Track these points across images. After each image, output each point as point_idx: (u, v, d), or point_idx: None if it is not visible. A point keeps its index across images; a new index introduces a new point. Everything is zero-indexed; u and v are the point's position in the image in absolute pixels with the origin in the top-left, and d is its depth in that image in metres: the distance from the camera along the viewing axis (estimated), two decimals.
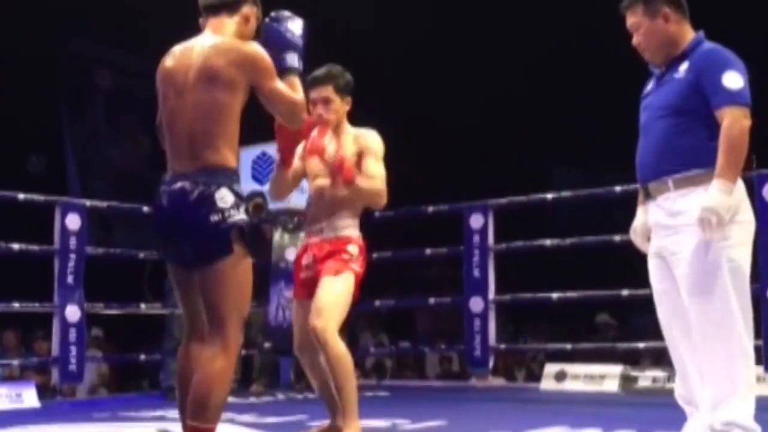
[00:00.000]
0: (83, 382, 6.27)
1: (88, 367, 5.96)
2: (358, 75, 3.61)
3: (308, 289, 3.48)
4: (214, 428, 2.54)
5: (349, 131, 3.55)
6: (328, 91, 3.49)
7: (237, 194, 2.59)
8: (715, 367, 2.61)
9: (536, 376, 8.00)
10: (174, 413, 4.97)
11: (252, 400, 5.97)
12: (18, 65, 9.73)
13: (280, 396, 6.29)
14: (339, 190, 3.47)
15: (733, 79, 2.67)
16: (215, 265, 2.56)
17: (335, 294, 3.36)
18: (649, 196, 2.87)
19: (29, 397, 5.57)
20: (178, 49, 2.74)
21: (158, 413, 4.99)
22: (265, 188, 7.56)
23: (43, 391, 5.81)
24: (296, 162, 3.59)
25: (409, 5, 8.34)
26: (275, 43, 2.79)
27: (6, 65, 9.54)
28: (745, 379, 2.62)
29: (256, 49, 2.68)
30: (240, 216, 2.58)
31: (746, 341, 2.65)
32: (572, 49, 8.51)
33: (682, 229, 2.71)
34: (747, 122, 2.65)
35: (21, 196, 5.61)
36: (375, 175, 3.44)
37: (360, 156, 3.47)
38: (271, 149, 7.80)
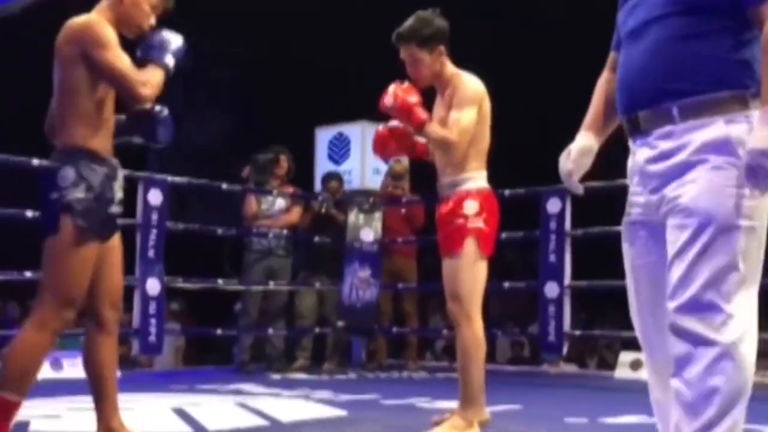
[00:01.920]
0: (161, 354, 6.41)
1: (165, 340, 6.08)
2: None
3: (442, 247, 3.42)
4: (12, 399, 2.55)
5: (452, 81, 3.35)
6: (411, 49, 3.32)
7: (80, 173, 2.59)
8: None
9: (608, 364, 7.90)
10: (248, 387, 5.08)
11: (324, 378, 6.03)
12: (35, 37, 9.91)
13: (352, 375, 6.34)
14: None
15: None
16: (47, 241, 2.61)
17: (460, 275, 3.29)
18: (638, 130, 1.99)
19: None
20: None
21: (233, 387, 5.09)
22: (342, 168, 7.62)
23: (122, 362, 5.97)
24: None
25: None
26: (150, 42, 2.75)
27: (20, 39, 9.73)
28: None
29: (88, 21, 2.64)
30: (75, 195, 2.58)
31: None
32: None
33: (688, 167, 1.88)
34: None
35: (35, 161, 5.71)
36: (453, 124, 3.25)
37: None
38: (348, 129, 7.86)
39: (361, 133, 7.74)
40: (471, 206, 3.31)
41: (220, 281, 6.35)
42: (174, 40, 2.77)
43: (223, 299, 7.65)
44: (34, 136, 3.13)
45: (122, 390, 4.65)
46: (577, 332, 6.57)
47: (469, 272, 3.30)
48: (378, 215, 6.77)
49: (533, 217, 6.26)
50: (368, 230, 6.71)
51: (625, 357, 6.20)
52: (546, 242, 6.10)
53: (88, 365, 2.81)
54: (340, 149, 7.81)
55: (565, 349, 6.18)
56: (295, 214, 6.65)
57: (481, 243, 3.31)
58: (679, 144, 1.89)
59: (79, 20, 2.67)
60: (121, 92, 2.66)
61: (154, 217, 5.81)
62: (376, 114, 8.60)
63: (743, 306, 1.85)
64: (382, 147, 3.51)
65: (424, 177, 6.88)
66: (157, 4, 2.79)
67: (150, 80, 2.64)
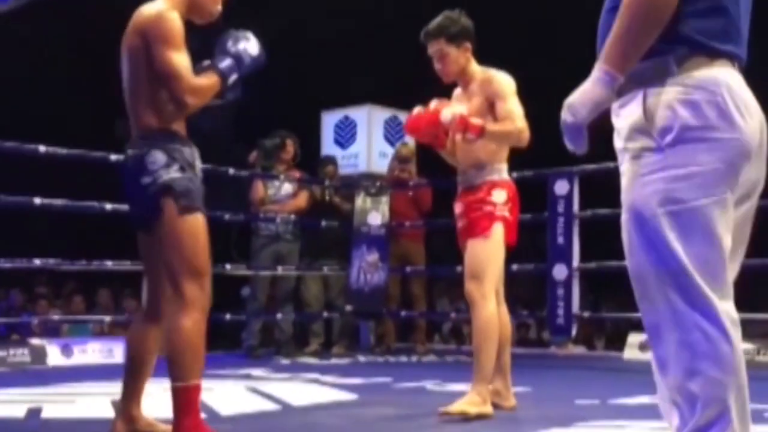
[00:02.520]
0: None
1: None
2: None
3: (464, 239, 3.51)
4: (193, 385, 2.54)
5: (476, 76, 3.48)
6: (440, 44, 3.45)
7: (169, 154, 2.57)
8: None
9: (616, 346, 7.91)
10: (258, 372, 5.10)
11: (334, 361, 6.05)
12: (107, 30, 9.93)
13: (361, 358, 6.36)
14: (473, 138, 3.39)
15: None
16: (155, 226, 2.58)
17: (483, 255, 3.39)
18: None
19: (119, 353, 5.75)
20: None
21: (243, 371, 5.11)
22: (348, 152, 7.61)
23: None
24: None
25: None
26: (225, 50, 2.70)
27: (94, 30, 9.73)
28: None
29: (164, 13, 2.59)
30: (171, 175, 2.56)
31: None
32: None
33: (622, 157, 1.73)
34: None
35: (113, 157, 5.73)
36: (508, 115, 3.37)
37: (491, 103, 3.42)
38: (354, 113, 7.84)
39: (367, 117, 7.73)
40: (499, 196, 3.45)
41: (227, 266, 6.36)
42: (251, 48, 2.74)
43: (231, 284, 7.66)
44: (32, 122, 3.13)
45: None
46: (586, 314, 6.57)
47: (493, 254, 3.42)
48: (385, 199, 6.77)
49: (541, 200, 6.25)
50: (375, 214, 6.71)
51: (634, 338, 6.21)
52: (554, 224, 6.10)
53: (132, 347, 2.80)
54: (346, 133, 7.79)
55: (574, 331, 6.19)
56: (302, 198, 6.65)
57: (507, 230, 3.45)
58: (618, 127, 1.75)
59: (149, 9, 2.63)
60: (168, 91, 2.62)
61: None
62: (382, 97, 8.62)
63: (667, 303, 1.64)
64: (414, 126, 3.51)
65: (430, 160, 6.89)
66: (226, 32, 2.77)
67: (200, 89, 2.61)
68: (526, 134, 3.38)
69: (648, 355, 5.98)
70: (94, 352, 5.70)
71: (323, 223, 6.69)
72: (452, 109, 3.34)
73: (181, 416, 2.54)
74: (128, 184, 2.65)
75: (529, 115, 3.53)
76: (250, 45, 2.74)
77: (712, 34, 1.66)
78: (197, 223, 2.60)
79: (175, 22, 2.59)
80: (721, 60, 1.66)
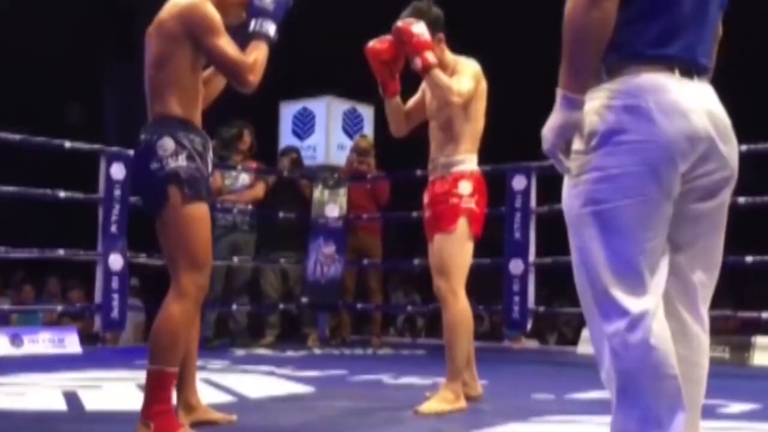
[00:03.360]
0: (123, 330, 6.34)
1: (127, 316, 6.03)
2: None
3: (430, 228, 3.50)
4: (169, 371, 2.58)
5: (449, 65, 3.47)
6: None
7: (179, 142, 2.60)
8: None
9: (568, 340, 8.01)
10: (214, 363, 5.05)
11: (289, 353, 6.02)
12: (61, 17, 9.75)
13: (316, 351, 6.34)
14: (445, 122, 3.44)
15: None
16: (160, 212, 2.62)
17: (450, 251, 3.39)
18: None
19: (71, 343, 5.67)
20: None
21: (198, 363, 5.04)
22: (306, 143, 7.58)
23: (83, 338, 5.91)
24: (417, 94, 3.61)
25: None
26: (253, 9, 2.75)
27: (49, 16, 9.56)
28: None
29: (199, 3, 2.65)
30: (178, 163, 2.59)
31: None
32: None
33: None
34: None
35: (67, 144, 5.63)
36: (460, 79, 3.38)
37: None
38: (312, 104, 7.81)
39: (326, 109, 7.70)
40: (465, 187, 3.43)
41: None
42: None
43: None
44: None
45: (87, 367, 4.63)
46: (541, 309, 6.62)
47: (459, 249, 3.41)
48: (343, 191, 6.75)
49: (499, 195, 6.28)
50: (333, 206, 6.69)
51: (587, 333, 6.26)
52: (511, 219, 6.13)
53: None
54: (304, 124, 7.76)
55: (529, 326, 6.24)
56: (259, 189, 6.61)
57: (472, 223, 3.44)
58: None
59: (190, 1, 2.66)
60: (228, 77, 2.71)
61: (117, 191, 5.73)
62: (341, 89, 8.58)
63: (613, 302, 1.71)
64: (377, 47, 3.45)
65: (389, 153, 6.89)
66: None
67: (256, 64, 2.67)
68: (456, 99, 3.34)
69: None
70: (45, 341, 5.59)
71: (280, 214, 6.65)
72: (418, 30, 3.31)
73: (152, 400, 2.56)
74: (137, 170, 2.70)
75: (489, 111, 3.55)
76: None
77: (644, 40, 1.72)
78: (200, 213, 2.63)
79: (215, 12, 2.66)
80: (653, 65, 1.71)
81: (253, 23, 2.74)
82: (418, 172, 6.05)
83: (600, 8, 1.67)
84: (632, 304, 1.69)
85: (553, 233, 6.43)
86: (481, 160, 3.60)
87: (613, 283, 1.70)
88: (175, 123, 2.63)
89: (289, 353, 6.01)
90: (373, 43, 3.45)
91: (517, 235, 6.10)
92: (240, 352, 5.97)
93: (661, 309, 1.72)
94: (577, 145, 1.73)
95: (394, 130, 3.63)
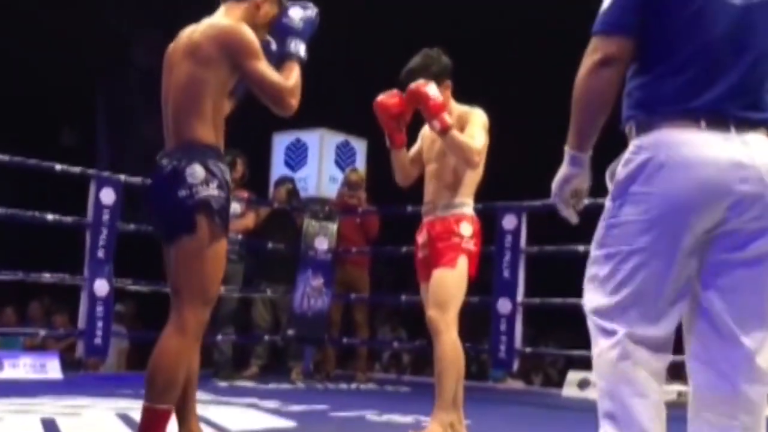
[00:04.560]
0: (106, 357, 6.28)
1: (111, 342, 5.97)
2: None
3: (425, 269, 3.53)
4: (164, 409, 2.50)
5: (455, 113, 3.51)
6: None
7: (210, 170, 2.52)
8: None
9: (553, 382, 7.96)
10: (196, 394, 4.99)
11: (272, 386, 5.96)
12: (56, 41, 9.77)
13: (300, 384, 6.28)
14: (449, 166, 3.48)
15: (605, 1, 1.87)
16: (181, 241, 2.51)
17: (449, 285, 3.42)
18: None
19: (53, 368, 5.60)
20: (183, 31, 2.72)
21: None
22: (298, 175, 7.57)
23: (65, 364, 5.84)
24: (417, 143, 3.67)
25: None
26: (281, 28, 2.73)
27: (43, 40, 9.58)
28: None
29: (238, 26, 2.60)
30: (209, 192, 2.51)
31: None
32: None
33: None
34: (593, 57, 1.83)
35: (58, 167, 5.61)
36: (473, 136, 3.42)
37: (462, 131, 3.44)
38: (306, 136, 7.81)
39: (319, 140, 7.71)
40: (466, 228, 3.49)
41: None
42: (304, 15, 2.76)
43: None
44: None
45: (67, 393, 4.57)
46: (528, 349, 6.58)
47: (458, 284, 3.45)
48: (333, 224, 6.73)
49: (489, 233, 6.27)
50: (322, 238, 6.67)
51: (574, 376, 6.24)
52: (501, 258, 6.11)
53: None
54: (297, 156, 7.76)
55: (515, 366, 6.20)
56: (250, 219, 6.58)
57: (471, 264, 3.49)
58: None
59: (224, 23, 2.63)
60: (269, 102, 2.64)
61: (106, 216, 5.70)
62: (335, 122, 8.60)
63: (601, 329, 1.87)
64: (386, 101, 3.49)
65: (380, 187, 6.89)
66: (276, 14, 2.77)
67: (296, 88, 2.64)
68: (476, 159, 3.40)
69: (586, 393, 6.06)
70: (26, 366, 5.52)
71: (270, 244, 6.62)
72: (435, 91, 3.36)
73: None
74: (160, 195, 2.58)
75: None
76: (305, 12, 2.76)
77: (666, 97, 1.81)
78: (222, 248, 2.56)
79: (253, 35, 2.62)
80: (676, 120, 1.79)
81: (287, 43, 2.70)
82: (409, 208, 6.05)
83: (600, 76, 1.82)
84: (619, 342, 1.82)
85: (543, 273, 6.47)
86: (473, 198, 3.62)
87: (607, 322, 1.85)
88: (205, 150, 2.55)
89: (272, 386, 5.95)
90: (382, 98, 3.50)
91: (506, 274, 6.08)
92: (223, 384, 5.91)
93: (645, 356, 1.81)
94: (608, 198, 1.90)
95: (400, 179, 3.67)
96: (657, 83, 1.83)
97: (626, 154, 1.85)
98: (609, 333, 1.83)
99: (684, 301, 1.83)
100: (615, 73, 1.82)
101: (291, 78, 2.64)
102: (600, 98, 1.84)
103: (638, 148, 1.82)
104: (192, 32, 2.65)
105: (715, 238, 1.80)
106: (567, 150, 1.91)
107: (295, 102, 2.64)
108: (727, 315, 1.80)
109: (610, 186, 1.90)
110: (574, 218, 1.98)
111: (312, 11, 2.78)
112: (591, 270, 1.90)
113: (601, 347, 1.84)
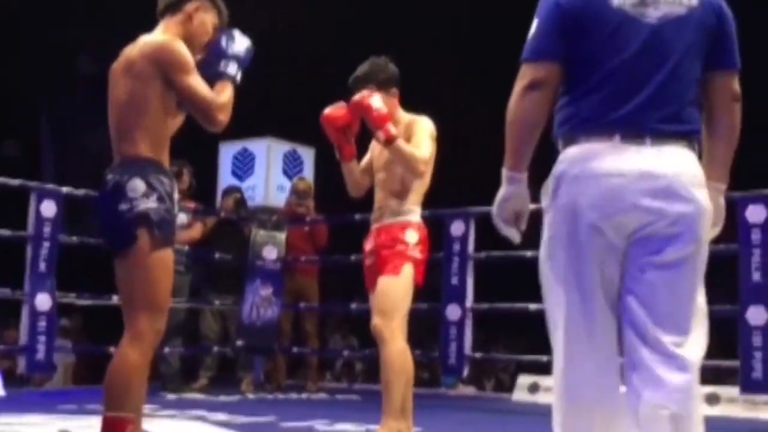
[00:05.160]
0: (49, 372, 6.15)
1: (55, 357, 5.85)
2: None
3: (373, 277, 3.51)
4: (123, 419, 2.51)
5: (402, 121, 3.52)
6: (369, 90, 3.46)
7: (150, 184, 2.58)
8: None
9: (505, 387, 8.00)
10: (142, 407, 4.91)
11: (221, 398, 5.89)
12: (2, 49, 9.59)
13: (250, 396, 6.22)
14: (396, 174, 3.48)
15: (530, 30, 2.00)
16: (124, 253, 2.57)
17: (394, 293, 3.40)
18: None
19: None
20: (125, 49, 2.76)
21: None
22: (245, 184, 7.51)
23: (8, 380, 5.70)
24: (367, 155, 3.66)
25: None
26: (217, 51, 2.78)
27: None
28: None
29: (171, 41, 2.66)
30: (148, 205, 2.56)
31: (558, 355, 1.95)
32: None
33: None
34: (521, 83, 1.95)
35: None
36: (419, 145, 3.42)
37: (409, 140, 3.45)
38: (253, 145, 7.76)
39: (266, 150, 7.66)
40: (412, 236, 3.48)
41: (115, 297, 6.14)
42: (241, 44, 2.80)
43: (119, 316, 7.41)
44: None
45: (8, 410, 4.46)
46: (478, 355, 6.60)
47: (403, 292, 3.43)
48: (281, 233, 6.69)
49: (437, 240, 6.29)
50: (271, 248, 6.62)
51: (524, 380, 6.28)
52: (449, 265, 6.13)
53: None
54: (244, 165, 7.70)
55: (465, 372, 6.21)
56: (197, 229, 6.51)
57: (416, 271, 3.48)
58: None
59: (157, 38, 2.68)
60: (199, 117, 2.68)
61: (47, 229, 5.59)
62: (282, 131, 8.54)
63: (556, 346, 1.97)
64: (333, 114, 3.51)
65: (328, 196, 6.87)
66: (217, 24, 2.82)
67: (226, 104, 2.68)
68: (422, 168, 3.41)
69: (536, 397, 6.09)
70: None
71: (217, 255, 6.55)
72: (380, 102, 3.37)
73: None
74: (104, 210, 2.63)
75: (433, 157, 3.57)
76: (242, 41, 2.80)
77: (585, 113, 1.93)
78: (167, 258, 2.60)
79: (186, 50, 2.66)
80: (592, 134, 1.92)
81: (222, 64, 2.75)
82: (357, 216, 6.04)
83: (528, 100, 1.94)
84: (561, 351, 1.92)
85: (491, 279, 6.50)
86: (420, 205, 3.62)
87: (554, 328, 1.96)
88: (145, 164, 2.60)
89: (222, 398, 5.89)
90: (329, 111, 3.51)
91: (455, 280, 6.10)
92: (171, 396, 5.82)
93: (591, 360, 1.90)
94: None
95: (353, 191, 3.68)
96: (578, 101, 1.94)
97: (553, 169, 1.97)
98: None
99: (608, 307, 1.92)
100: (543, 97, 1.94)
101: (222, 95, 2.69)
102: (530, 121, 1.95)
103: (560, 162, 1.95)
104: (130, 50, 2.71)
105: (631, 246, 1.90)
106: (504, 171, 2.01)
107: (224, 118, 2.68)
108: (646, 318, 1.87)
109: (496, 211, 2.03)
110: (516, 238, 2.07)
111: (248, 42, 2.83)
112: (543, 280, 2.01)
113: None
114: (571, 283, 1.90)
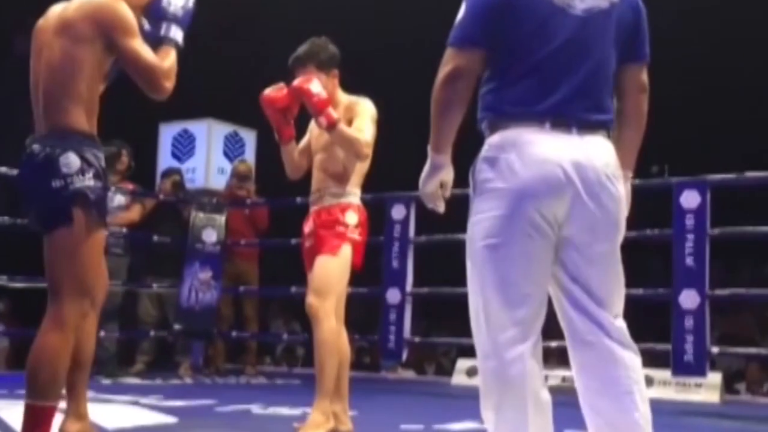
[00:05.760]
0: None
1: None
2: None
3: (312, 259, 3.48)
4: (48, 406, 2.44)
5: (342, 103, 3.50)
6: (309, 71, 3.44)
7: (86, 159, 2.45)
8: None
9: (446, 371, 8.05)
10: None
11: (158, 382, 5.82)
12: None
13: (188, 380, 6.15)
14: (336, 156, 3.46)
15: (458, 16, 2.01)
16: (55, 233, 2.45)
17: (330, 272, 3.39)
18: None
19: None
20: (53, 8, 2.61)
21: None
22: (186, 166, 7.41)
23: None
24: (305, 137, 3.63)
25: None
26: (157, 12, 2.66)
27: None
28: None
29: (114, 2, 2.52)
30: (86, 183, 2.43)
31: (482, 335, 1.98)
32: None
33: None
34: (445, 69, 1.97)
35: None
36: (361, 128, 3.41)
37: (351, 122, 3.44)
38: (193, 126, 7.64)
39: (207, 131, 7.56)
40: (351, 217, 3.48)
41: None
42: (181, 2, 2.67)
43: None
44: None
45: None
46: (417, 339, 6.63)
47: (339, 272, 3.43)
48: (221, 216, 6.62)
49: (378, 224, 6.28)
50: (210, 231, 6.54)
51: (462, 364, 6.32)
52: (389, 248, 6.13)
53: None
54: (184, 146, 7.59)
55: (404, 356, 6.22)
56: (135, 212, 6.40)
57: (355, 253, 3.48)
58: None
59: (103, 1, 2.51)
60: (142, 83, 2.53)
61: None
62: (224, 112, 8.43)
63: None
64: (272, 96, 3.48)
65: (269, 179, 6.81)
66: None
67: (171, 70, 2.56)
68: (366, 151, 3.41)
69: (475, 381, 6.13)
70: None
71: (155, 237, 6.46)
72: (320, 86, 3.35)
73: None
74: (32, 185, 2.48)
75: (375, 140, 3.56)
76: (182, 0, 2.68)
77: (514, 100, 1.96)
78: (100, 239, 2.51)
79: (130, 11, 2.51)
80: (523, 121, 1.95)
81: (163, 27, 2.62)
82: (298, 200, 5.99)
83: (451, 85, 1.97)
84: (503, 335, 1.93)
85: (431, 263, 6.52)
86: (361, 189, 3.61)
87: (489, 310, 1.95)
88: (80, 137, 2.46)
89: (158, 382, 5.82)
90: (268, 92, 3.49)
91: (395, 264, 6.11)
92: (106, 381, 5.73)
93: (533, 338, 1.96)
94: (470, 191, 2.02)
95: (291, 173, 3.65)
96: (506, 88, 1.98)
97: (482, 153, 2.00)
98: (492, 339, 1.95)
99: (544, 286, 1.97)
100: (465, 83, 1.97)
101: (166, 60, 2.57)
102: (452, 105, 1.99)
103: (490, 146, 1.98)
104: (64, 9, 2.55)
105: (563, 235, 1.95)
106: (429, 151, 2.06)
107: (169, 85, 2.56)
108: (585, 294, 1.95)
109: (471, 184, 2.02)
110: (441, 208, 2.12)
111: (191, 5, 2.72)
112: (468, 266, 2.00)
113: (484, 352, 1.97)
114: (510, 261, 1.92)
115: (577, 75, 1.96)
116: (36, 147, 2.47)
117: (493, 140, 1.99)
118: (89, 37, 2.47)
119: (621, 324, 1.97)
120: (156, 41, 2.62)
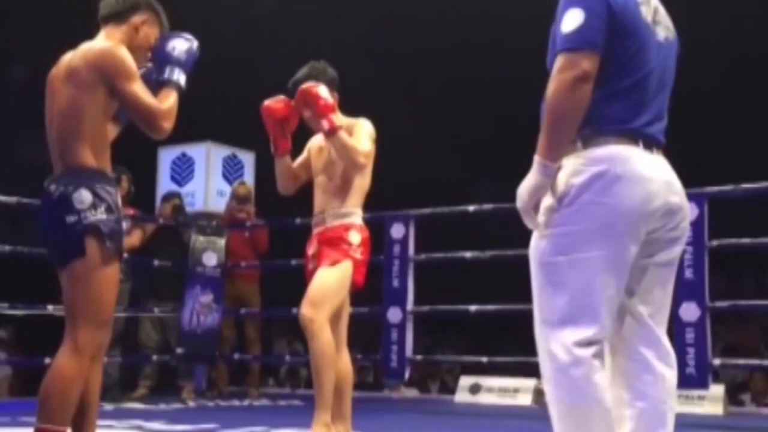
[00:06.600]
0: None
1: None
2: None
3: (319, 262, 3.48)
4: (57, 430, 2.50)
5: (342, 125, 3.51)
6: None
7: (97, 195, 2.57)
8: None
9: (450, 389, 8.04)
10: None
11: (161, 406, 5.81)
12: None
13: (191, 403, 6.15)
14: (337, 176, 3.50)
15: (570, 19, 1.97)
16: (72, 266, 2.56)
17: (327, 284, 3.39)
18: None
19: None
20: (64, 56, 2.75)
21: None
22: (185, 190, 7.43)
23: None
24: (303, 155, 3.65)
25: None
26: (161, 57, 2.77)
27: None
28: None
29: (114, 48, 2.64)
30: (98, 216, 2.56)
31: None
32: (503, 66, 8.62)
33: None
34: (571, 73, 1.93)
35: None
36: (360, 140, 3.45)
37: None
38: (192, 150, 7.67)
39: (205, 154, 7.59)
40: (355, 237, 3.50)
41: (50, 307, 6.02)
42: (184, 48, 2.78)
43: (55, 326, 7.26)
44: None
45: None
46: (419, 357, 6.62)
47: (337, 284, 3.42)
48: (221, 239, 6.63)
49: (377, 243, 6.29)
50: (211, 254, 6.56)
51: (465, 381, 6.31)
52: (389, 267, 6.13)
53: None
54: (183, 170, 7.62)
55: (407, 374, 6.22)
56: (136, 236, 6.42)
57: (356, 272, 3.48)
58: None
59: (100, 45, 2.66)
60: (142, 124, 2.66)
61: None
62: (222, 135, 8.46)
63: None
64: (273, 105, 3.52)
65: (268, 201, 6.82)
66: (158, 38, 2.80)
67: (170, 112, 2.67)
68: (362, 160, 3.44)
69: (478, 398, 6.13)
70: None
71: (156, 262, 6.47)
72: (326, 93, 3.39)
73: None
74: (48, 222, 2.61)
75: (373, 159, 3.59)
76: (186, 44, 2.79)
77: (614, 116, 1.99)
78: (114, 271, 2.60)
79: (130, 57, 2.64)
80: (621, 138, 1.99)
81: (167, 71, 2.74)
82: (298, 221, 6.02)
83: (580, 91, 1.94)
84: (581, 342, 1.94)
85: (431, 281, 6.52)
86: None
87: (568, 322, 1.95)
88: (90, 174, 2.59)
89: (162, 407, 5.81)
90: (269, 102, 3.52)
91: (396, 283, 6.11)
92: (109, 407, 5.73)
93: (606, 350, 2.01)
94: (548, 202, 2.00)
95: (282, 188, 3.67)
96: (604, 101, 1.99)
97: (575, 166, 1.98)
98: (566, 346, 1.96)
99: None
100: (590, 87, 1.95)
101: (166, 102, 2.68)
102: (575, 113, 1.96)
103: (588, 160, 1.98)
104: (71, 57, 2.69)
105: (647, 246, 2.03)
106: (539, 160, 1.98)
107: (167, 125, 2.67)
108: (645, 311, 2.07)
109: (527, 199, 1.99)
110: (538, 226, 2.05)
111: (193, 43, 2.82)
112: (540, 278, 2.01)
113: (559, 361, 1.96)
114: (612, 272, 1.96)
115: (657, 99, 2.06)
116: (52, 186, 2.61)
117: (590, 154, 1.99)
118: (92, 83, 2.61)
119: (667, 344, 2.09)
120: (159, 84, 2.73)
